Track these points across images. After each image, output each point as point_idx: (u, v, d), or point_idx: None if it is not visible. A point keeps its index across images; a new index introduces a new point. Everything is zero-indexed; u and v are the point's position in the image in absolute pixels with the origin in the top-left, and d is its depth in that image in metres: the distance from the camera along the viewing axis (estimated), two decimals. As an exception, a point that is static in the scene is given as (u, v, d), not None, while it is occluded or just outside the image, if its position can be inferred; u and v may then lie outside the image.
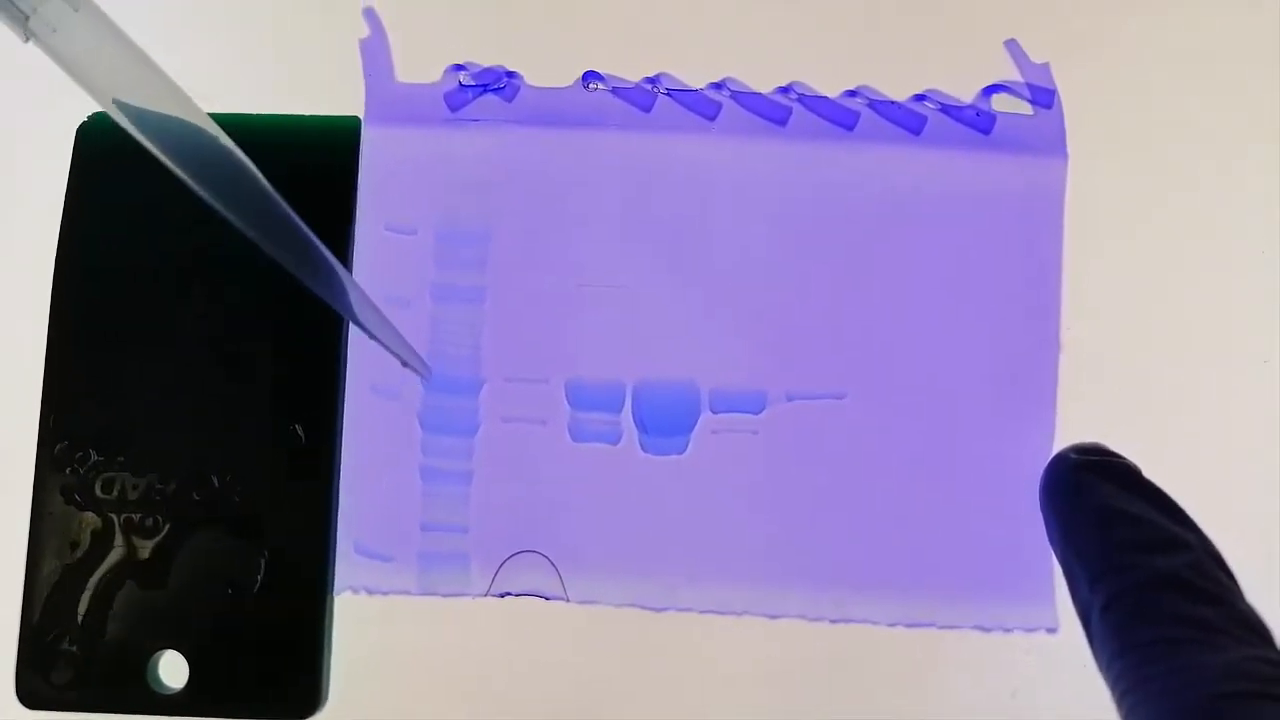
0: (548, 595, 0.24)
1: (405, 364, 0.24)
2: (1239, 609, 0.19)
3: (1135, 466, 0.22)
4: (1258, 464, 0.24)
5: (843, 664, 0.24)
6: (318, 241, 0.22)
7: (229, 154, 0.21)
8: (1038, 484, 0.23)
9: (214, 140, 0.21)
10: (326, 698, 0.24)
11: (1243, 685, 0.17)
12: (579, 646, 0.24)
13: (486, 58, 0.26)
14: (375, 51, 0.26)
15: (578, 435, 0.25)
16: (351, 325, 0.25)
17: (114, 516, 0.24)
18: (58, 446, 0.25)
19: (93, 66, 0.20)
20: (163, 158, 0.21)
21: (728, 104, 0.26)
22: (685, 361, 0.25)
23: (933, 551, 0.24)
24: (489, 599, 0.24)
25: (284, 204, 0.22)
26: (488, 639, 0.24)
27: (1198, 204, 0.25)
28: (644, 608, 0.24)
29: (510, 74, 0.26)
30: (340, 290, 0.23)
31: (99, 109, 0.26)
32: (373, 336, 0.23)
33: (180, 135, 0.21)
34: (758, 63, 0.26)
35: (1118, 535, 0.20)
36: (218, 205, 0.21)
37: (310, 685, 0.24)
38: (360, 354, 0.25)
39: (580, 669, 0.24)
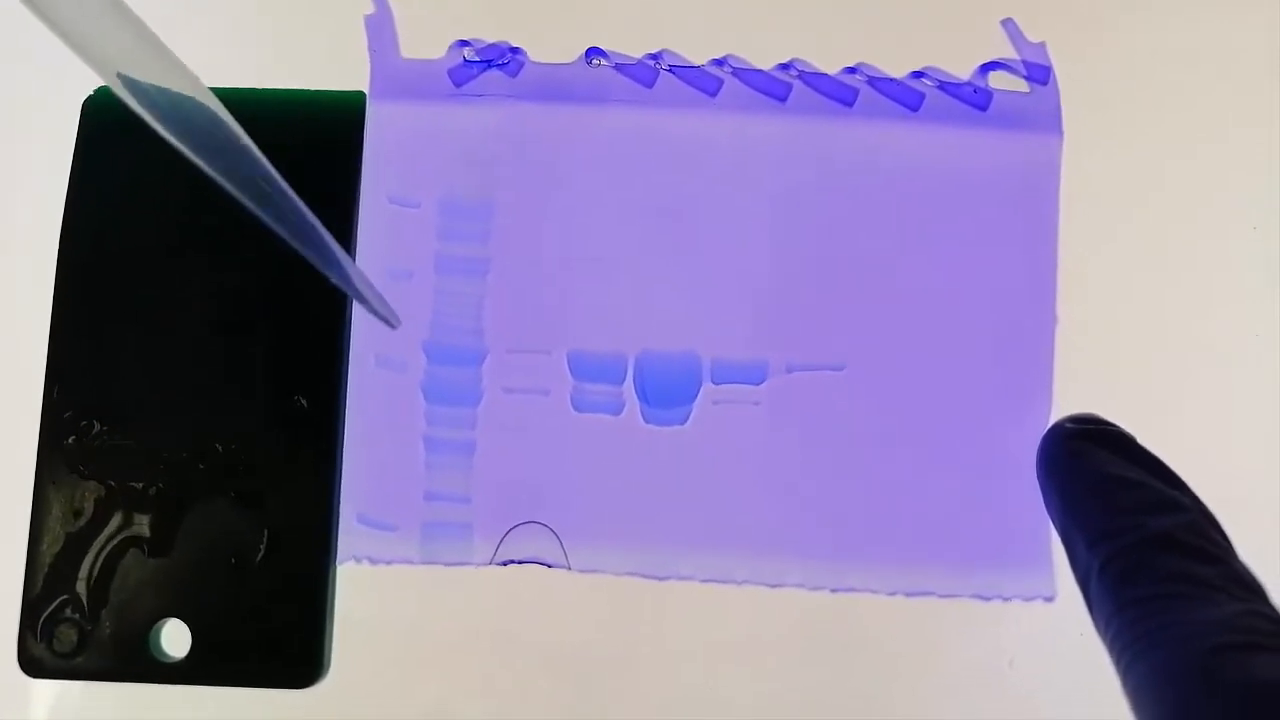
0: (550, 563, 0.24)
1: (374, 312, 0.22)
2: (1234, 567, 0.19)
3: (1130, 435, 0.22)
4: (1250, 432, 0.25)
5: (843, 632, 0.24)
6: (285, 187, 0.21)
7: (221, 122, 0.21)
8: (1035, 454, 0.23)
9: (209, 110, 0.21)
10: (329, 666, 0.24)
11: (1239, 638, 0.17)
12: (581, 615, 0.24)
13: (491, 34, 0.26)
14: (380, 27, 0.26)
15: (580, 406, 0.25)
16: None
17: (117, 485, 0.25)
18: (62, 416, 0.25)
19: (95, 39, 0.20)
20: (159, 128, 0.21)
21: (729, 80, 0.26)
22: (686, 333, 0.25)
23: (931, 521, 0.24)
24: (491, 568, 0.25)
25: (269, 167, 0.21)
26: (490, 608, 0.24)
27: (1190, 180, 0.25)
28: (646, 577, 0.24)
29: (514, 50, 0.26)
30: (315, 243, 0.22)
31: (104, 84, 0.26)
32: (335, 279, 0.22)
33: (178, 105, 0.21)
34: (759, 40, 0.26)
35: (1115, 498, 0.21)
36: (209, 169, 0.21)
37: (312, 654, 0.24)
38: (364, 326, 0.25)
39: (582, 637, 0.24)
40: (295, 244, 0.21)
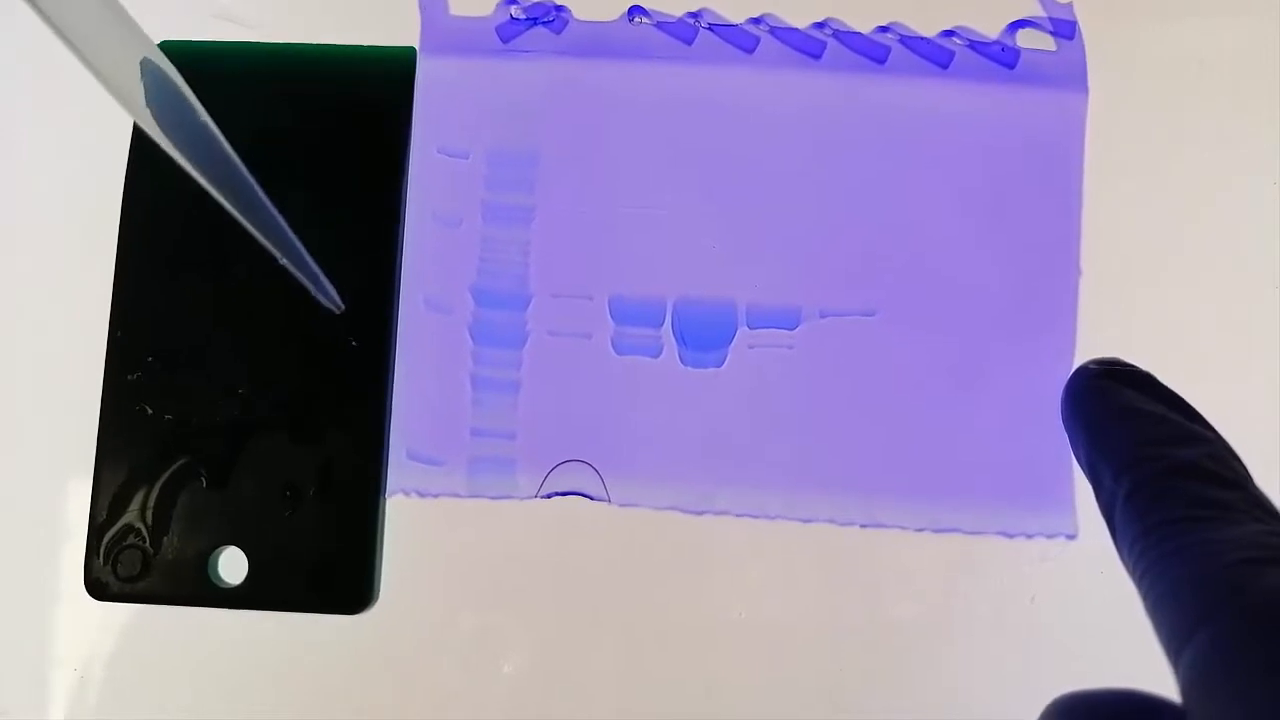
0: (592, 495, 0.25)
1: (313, 294, 0.24)
2: (1255, 493, 0.20)
3: (1152, 374, 0.23)
4: (1269, 380, 0.26)
5: (871, 567, 0.25)
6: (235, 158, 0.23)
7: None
8: (1058, 398, 0.24)
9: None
10: (378, 594, 0.25)
11: (1260, 553, 0.18)
12: (620, 547, 0.25)
13: (537, -8, 0.27)
14: (431, -14, 0.27)
15: (620, 348, 0.26)
16: (404, 245, 0.26)
17: (178, 419, 0.26)
18: (126, 354, 0.26)
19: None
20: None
21: (765, 38, 0.27)
22: (723, 279, 0.26)
23: (958, 461, 0.25)
24: (535, 501, 0.26)
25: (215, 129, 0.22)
26: (533, 540, 0.26)
27: (1212, 135, 0.26)
28: (683, 511, 0.25)
29: (559, 8, 0.27)
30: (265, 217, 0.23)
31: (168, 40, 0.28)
32: (280, 262, 0.23)
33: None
34: (795, -1, 0.27)
35: (1140, 430, 0.21)
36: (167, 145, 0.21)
37: (362, 582, 0.25)
38: (414, 271, 0.26)
39: (621, 568, 0.25)
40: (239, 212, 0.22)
